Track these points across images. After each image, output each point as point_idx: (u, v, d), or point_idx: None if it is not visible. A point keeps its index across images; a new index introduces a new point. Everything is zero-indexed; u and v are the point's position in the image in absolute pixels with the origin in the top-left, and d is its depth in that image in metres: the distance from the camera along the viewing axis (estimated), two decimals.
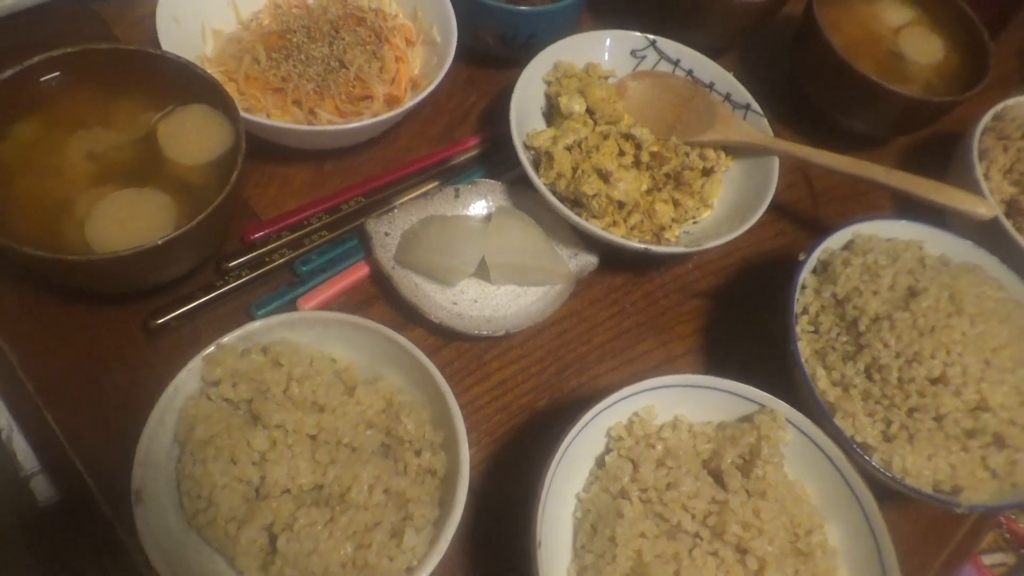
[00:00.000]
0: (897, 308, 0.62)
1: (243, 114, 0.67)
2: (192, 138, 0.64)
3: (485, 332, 0.68)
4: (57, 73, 0.63)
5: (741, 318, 0.77)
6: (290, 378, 0.55)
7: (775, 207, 0.80)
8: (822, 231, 0.84)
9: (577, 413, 0.58)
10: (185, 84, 0.65)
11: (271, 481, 0.51)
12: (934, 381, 0.60)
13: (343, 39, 0.78)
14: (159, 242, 0.56)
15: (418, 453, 0.56)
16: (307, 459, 0.52)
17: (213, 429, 0.53)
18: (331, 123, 0.74)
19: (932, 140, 0.93)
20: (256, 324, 0.56)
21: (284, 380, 0.55)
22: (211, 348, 0.55)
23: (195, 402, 0.54)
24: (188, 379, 0.54)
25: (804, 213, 0.86)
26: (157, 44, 0.69)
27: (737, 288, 0.79)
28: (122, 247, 0.56)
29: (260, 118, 0.70)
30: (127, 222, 0.61)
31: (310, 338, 0.59)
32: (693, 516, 0.56)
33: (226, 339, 0.55)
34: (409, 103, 0.73)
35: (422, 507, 0.53)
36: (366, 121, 0.71)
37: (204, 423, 0.53)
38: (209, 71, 0.74)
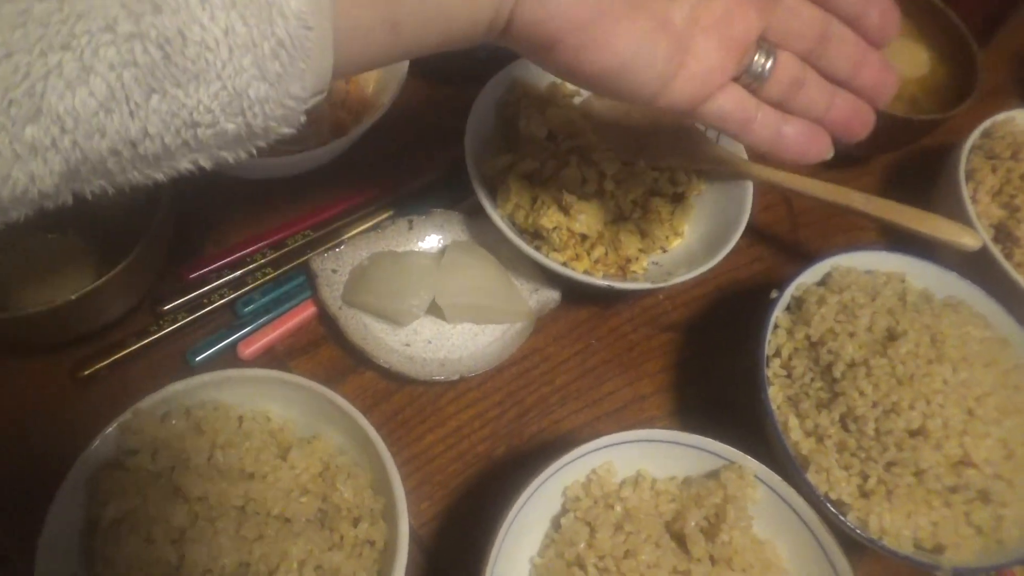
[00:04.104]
0: (875, 353, 0.58)
1: None
2: None
3: (439, 377, 0.64)
4: None
5: (713, 354, 0.72)
6: (214, 445, 0.51)
7: (752, 231, 0.76)
8: (801, 256, 0.80)
9: (535, 464, 0.54)
10: None
11: (191, 561, 0.47)
12: (913, 434, 0.56)
13: None
14: (72, 297, 0.52)
15: (356, 522, 0.52)
16: (231, 535, 0.48)
17: (129, 504, 0.48)
18: (274, 153, 0.69)
19: (919, 155, 0.88)
20: (178, 386, 0.52)
21: (207, 448, 0.51)
22: (127, 415, 0.50)
23: (109, 473, 0.50)
24: (102, 449, 0.50)
25: (783, 237, 0.82)
26: None
27: (710, 320, 0.75)
28: (34, 304, 0.52)
29: None
30: (45, 274, 0.57)
31: (241, 396, 0.55)
32: None
33: (144, 404, 0.51)
34: (359, 128, 0.68)
35: None
36: (312, 151, 0.66)
37: (119, 498, 0.48)
38: None
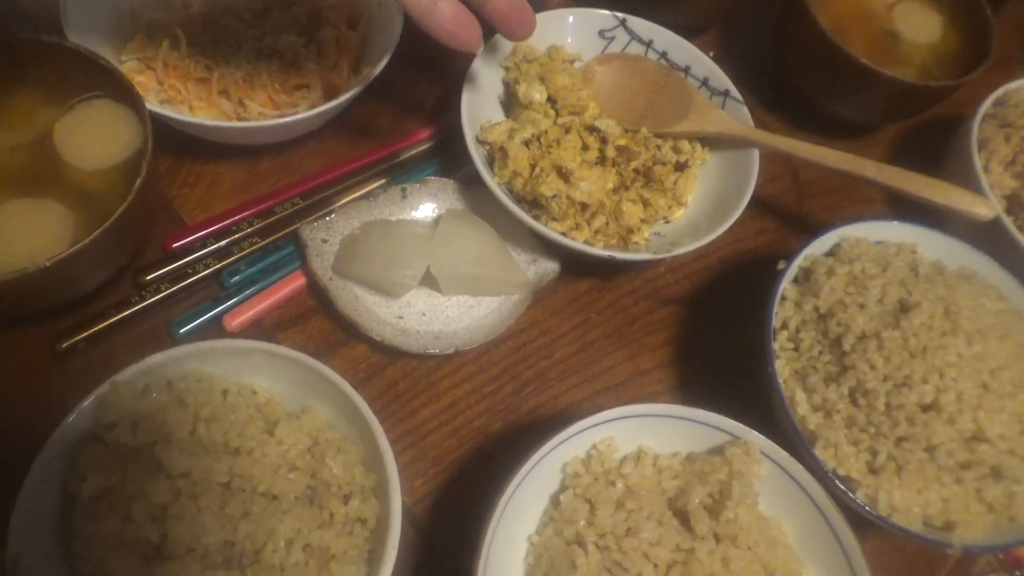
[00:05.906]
0: (886, 325, 0.56)
1: (160, 109, 0.60)
2: (94, 139, 0.57)
3: (433, 350, 0.62)
4: None
5: (717, 327, 0.70)
6: (197, 419, 0.49)
7: (756, 202, 0.73)
8: (807, 228, 0.77)
9: (533, 440, 0.52)
10: (86, 76, 0.57)
11: (173, 540, 0.45)
12: (926, 408, 0.54)
13: (277, 20, 0.70)
14: (47, 264, 0.49)
15: (346, 499, 0.50)
16: (215, 513, 0.46)
17: (108, 480, 0.46)
18: (262, 116, 0.67)
19: (929, 125, 0.86)
20: (158, 357, 0.50)
21: (190, 421, 0.48)
22: (104, 386, 0.48)
23: (87, 448, 0.47)
24: (79, 423, 0.48)
25: (788, 208, 0.79)
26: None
27: (713, 293, 0.73)
28: (4, 270, 0.49)
29: (179, 113, 0.63)
30: (19, 239, 0.54)
31: (226, 368, 0.53)
32: (656, 566, 0.50)
33: (123, 375, 0.48)
34: (350, 92, 0.65)
35: (347, 564, 0.47)
36: (302, 114, 0.63)
37: (97, 473, 0.46)
38: (125, 59, 0.67)
